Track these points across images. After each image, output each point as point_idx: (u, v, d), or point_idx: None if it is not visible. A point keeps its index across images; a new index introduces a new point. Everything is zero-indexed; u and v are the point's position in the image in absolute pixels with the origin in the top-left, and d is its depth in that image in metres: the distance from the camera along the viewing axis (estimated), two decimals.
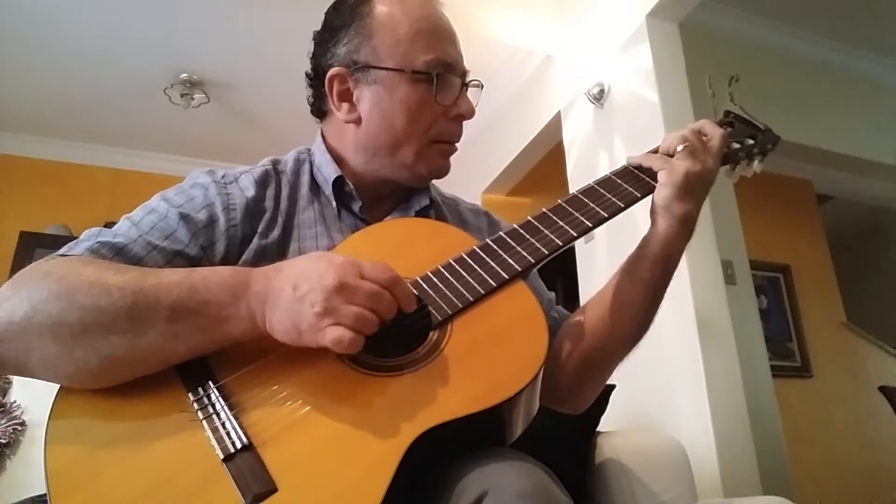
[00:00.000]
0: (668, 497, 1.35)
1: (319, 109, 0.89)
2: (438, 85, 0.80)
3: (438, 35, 0.83)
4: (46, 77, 2.97)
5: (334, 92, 0.83)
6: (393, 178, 0.85)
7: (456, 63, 0.83)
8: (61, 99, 3.16)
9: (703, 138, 0.78)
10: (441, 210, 0.92)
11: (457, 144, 0.87)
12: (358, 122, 0.83)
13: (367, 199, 0.84)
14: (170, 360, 0.62)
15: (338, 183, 0.83)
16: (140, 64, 2.93)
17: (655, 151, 0.81)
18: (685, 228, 0.75)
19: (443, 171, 0.87)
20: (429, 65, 0.80)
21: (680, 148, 0.76)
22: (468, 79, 0.85)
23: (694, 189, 0.74)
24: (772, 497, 1.25)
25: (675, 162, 0.75)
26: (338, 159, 0.85)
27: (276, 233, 0.78)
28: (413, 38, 0.80)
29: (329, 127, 0.88)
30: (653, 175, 0.77)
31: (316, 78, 0.86)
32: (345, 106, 0.83)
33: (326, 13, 0.87)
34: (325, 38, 0.85)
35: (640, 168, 0.79)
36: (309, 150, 0.90)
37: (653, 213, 0.77)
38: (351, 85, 0.82)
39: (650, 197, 0.78)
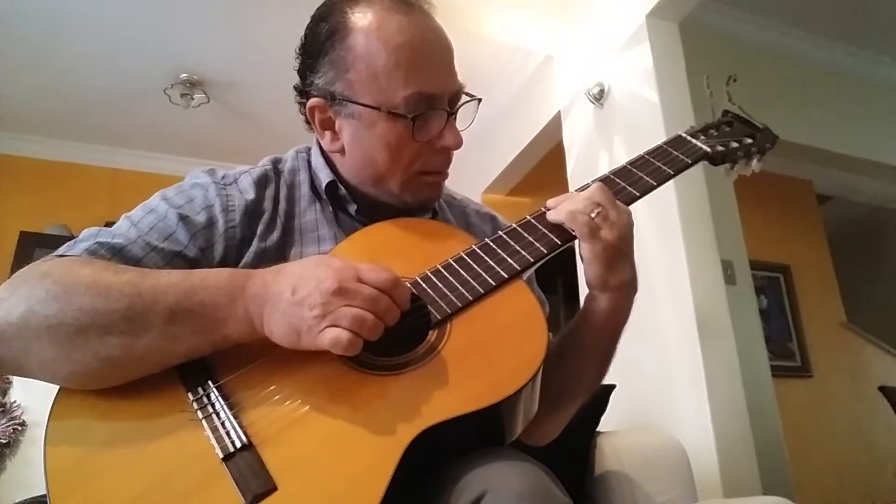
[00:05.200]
0: (668, 497, 1.35)
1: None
2: (417, 124, 0.75)
3: (420, 64, 0.75)
4: (46, 77, 2.97)
5: (316, 121, 0.80)
6: (384, 202, 0.83)
7: (440, 93, 0.76)
8: (61, 99, 3.16)
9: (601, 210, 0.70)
10: (445, 215, 0.91)
11: (447, 171, 0.83)
12: (342, 151, 0.81)
13: (364, 204, 0.83)
14: (168, 362, 0.62)
15: (331, 187, 0.82)
16: (140, 64, 2.93)
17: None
18: (627, 294, 0.73)
19: (432, 199, 0.85)
20: (407, 101, 0.74)
21: (594, 214, 0.69)
22: (460, 100, 0.80)
23: (622, 254, 0.70)
24: (772, 497, 1.25)
25: (598, 235, 0.69)
26: (332, 166, 0.84)
27: (275, 235, 0.78)
28: (391, 72, 0.74)
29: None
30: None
31: (302, 95, 0.83)
32: (328, 135, 0.81)
33: (306, 29, 0.82)
34: (305, 62, 0.81)
35: (563, 226, 0.73)
36: (309, 149, 0.89)
37: (589, 287, 0.73)
38: (332, 115, 0.79)
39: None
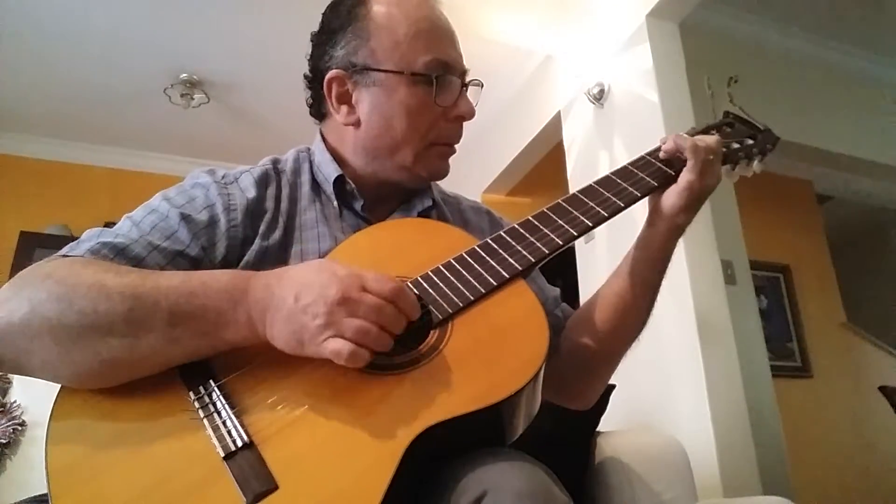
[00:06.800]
0: (668, 497, 1.35)
1: (318, 111, 0.88)
2: (438, 86, 0.80)
3: (437, 35, 0.82)
4: (46, 77, 2.97)
5: (333, 94, 0.82)
6: (393, 180, 0.84)
7: (455, 63, 0.82)
8: (61, 99, 3.16)
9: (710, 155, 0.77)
10: (443, 210, 0.91)
11: (456, 146, 0.86)
12: (357, 124, 0.82)
13: (368, 198, 0.84)
14: (168, 364, 0.62)
15: (338, 182, 0.83)
16: (140, 64, 2.93)
17: (656, 152, 0.80)
18: (680, 234, 0.79)
19: (442, 173, 0.87)
20: (428, 66, 0.79)
21: (711, 157, 0.76)
22: (468, 79, 0.84)
23: (702, 203, 0.77)
24: (772, 497, 1.25)
25: (707, 173, 0.75)
26: (338, 159, 0.85)
27: (277, 234, 0.78)
28: (411, 40, 0.79)
29: (328, 128, 0.88)
30: (664, 174, 0.78)
31: (314, 80, 0.86)
32: (343, 108, 0.82)
33: (323, 14, 0.86)
34: (323, 41, 0.84)
35: (673, 158, 0.78)
36: (309, 149, 0.89)
37: (656, 216, 0.77)
38: (349, 87, 0.82)
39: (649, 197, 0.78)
